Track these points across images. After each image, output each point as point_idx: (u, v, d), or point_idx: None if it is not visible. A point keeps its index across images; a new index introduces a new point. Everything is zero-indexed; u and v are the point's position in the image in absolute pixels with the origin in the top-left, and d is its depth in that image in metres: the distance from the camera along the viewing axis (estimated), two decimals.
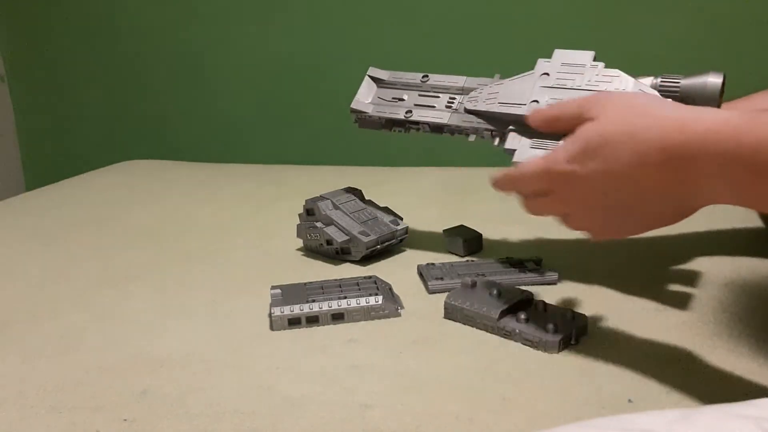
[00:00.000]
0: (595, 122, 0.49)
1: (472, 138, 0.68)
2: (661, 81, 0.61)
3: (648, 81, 0.62)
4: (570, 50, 0.65)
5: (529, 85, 0.64)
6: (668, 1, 1.21)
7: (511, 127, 0.64)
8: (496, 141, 0.66)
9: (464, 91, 0.70)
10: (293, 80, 1.50)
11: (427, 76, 0.73)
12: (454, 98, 0.70)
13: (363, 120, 0.75)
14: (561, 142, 0.59)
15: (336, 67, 1.45)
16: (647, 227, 0.51)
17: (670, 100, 0.55)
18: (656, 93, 0.59)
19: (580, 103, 0.52)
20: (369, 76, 0.77)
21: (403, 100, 0.74)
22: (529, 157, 0.60)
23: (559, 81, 0.63)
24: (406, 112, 0.72)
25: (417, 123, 0.72)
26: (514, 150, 0.62)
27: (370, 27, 1.41)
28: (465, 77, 0.71)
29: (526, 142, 0.62)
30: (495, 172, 0.57)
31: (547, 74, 0.64)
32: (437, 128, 0.71)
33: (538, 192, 0.54)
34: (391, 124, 0.74)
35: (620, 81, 0.61)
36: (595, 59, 0.64)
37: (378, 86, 0.76)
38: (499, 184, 0.58)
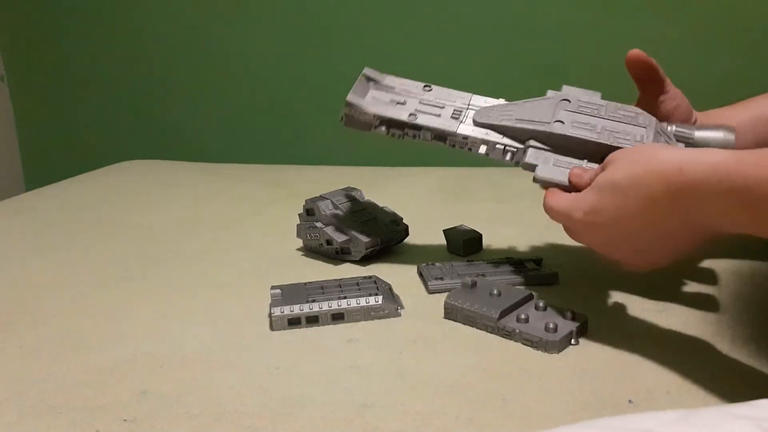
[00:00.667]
0: (606, 173, 0.54)
1: (482, 149, 0.65)
2: (677, 130, 0.64)
3: (663, 126, 0.63)
4: (577, 88, 0.66)
5: (550, 107, 0.64)
6: (668, 8, 1.21)
7: (531, 142, 0.63)
8: (508, 156, 0.65)
9: (470, 107, 0.67)
10: (294, 80, 1.50)
11: (429, 86, 0.69)
12: (460, 111, 0.67)
13: (352, 117, 0.69)
14: (583, 162, 0.61)
15: (337, 68, 1.45)
16: (668, 258, 0.54)
17: (672, 145, 0.58)
18: (666, 142, 0.62)
19: (603, 163, 0.56)
20: (365, 75, 0.71)
21: (404, 104, 0.68)
22: (551, 174, 0.61)
23: (582, 108, 0.64)
24: (410, 115, 0.67)
25: (419, 128, 0.67)
26: (536, 165, 0.62)
27: (373, 29, 1.41)
28: (471, 94, 0.68)
29: (549, 158, 0.62)
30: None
31: (568, 101, 0.64)
32: (440, 137, 0.66)
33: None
34: (389, 124, 0.68)
35: (644, 118, 0.62)
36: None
37: (373, 87, 0.70)
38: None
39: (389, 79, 0.71)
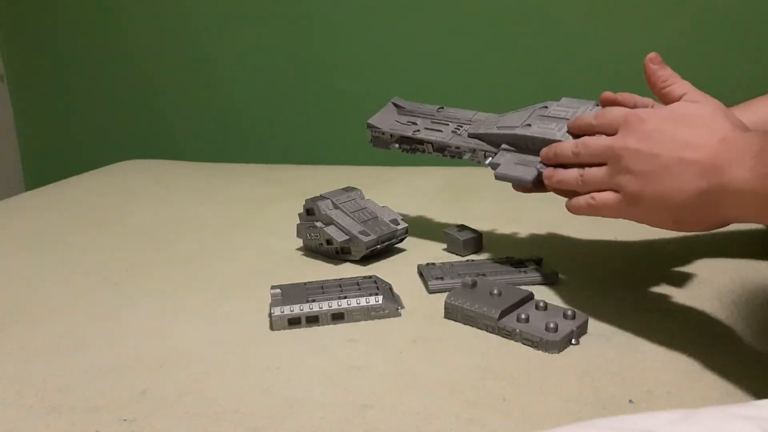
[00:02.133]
0: (687, 102, 0.54)
1: (467, 156, 0.73)
2: None
3: None
4: (574, 99, 0.68)
5: (527, 113, 0.69)
6: (666, 9, 1.21)
7: (504, 146, 0.69)
8: (488, 160, 0.70)
9: (472, 123, 0.75)
10: (294, 80, 1.50)
11: (442, 108, 0.78)
12: (461, 126, 0.75)
13: (377, 138, 0.80)
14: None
15: (337, 68, 1.45)
16: (675, 225, 0.54)
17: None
18: None
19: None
20: (392, 103, 0.82)
21: (415, 124, 0.79)
22: (512, 171, 0.65)
23: (555, 112, 0.67)
24: (415, 131, 0.77)
25: (422, 142, 0.76)
26: (499, 164, 0.67)
27: (374, 28, 1.41)
28: (476, 111, 0.76)
29: (513, 157, 0.67)
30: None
31: (546, 107, 0.68)
32: (440, 148, 0.75)
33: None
34: (400, 141, 0.78)
35: None
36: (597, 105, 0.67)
37: (398, 113, 0.81)
38: (562, 148, 0.61)
39: (413, 105, 0.81)
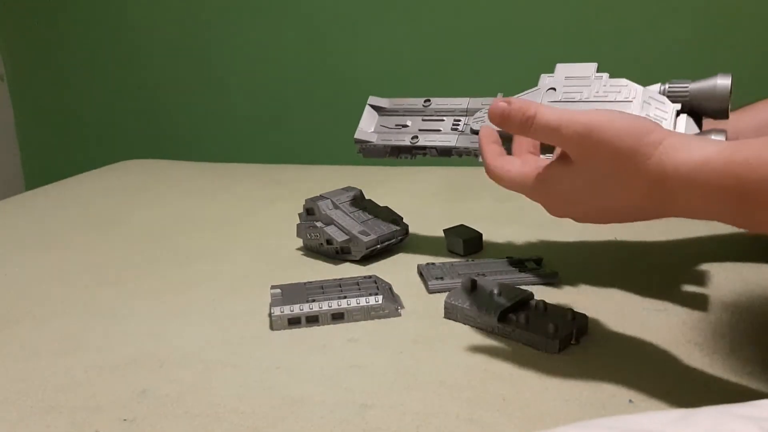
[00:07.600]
0: (587, 167, 0.49)
1: (480, 159, 0.67)
2: (669, 87, 0.62)
3: (656, 88, 0.62)
4: (572, 64, 0.65)
5: (536, 101, 0.64)
6: (670, 7, 1.21)
7: None
8: None
9: (468, 112, 0.71)
10: (294, 80, 1.50)
11: (428, 100, 0.73)
12: (459, 120, 0.71)
13: (367, 149, 0.75)
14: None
15: (337, 68, 1.45)
16: (620, 219, 0.53)
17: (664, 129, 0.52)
18: (657, 109, 0.60)
19: (582, 136, 0.48)
20: (369, 105, 0.76)
21: (407, 126, 0.73)
22: None
23: (567, 95, 0.63)
24: (412, 138, 0.72)
25: (424, 148, 0.72)
26: None
27: (373, 28, 1.41)
28: (468, 99, 0.71)
29: None
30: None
31: (554, 89, 0.64)
32: (445, 151, 0.71)
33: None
34: (398, 151, 0.74)
35: (629, 90, 0.61)
36: (598, 70, 0.64)
37: (380, 114, 0.76)
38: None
39: (392, 103, 0.75)
